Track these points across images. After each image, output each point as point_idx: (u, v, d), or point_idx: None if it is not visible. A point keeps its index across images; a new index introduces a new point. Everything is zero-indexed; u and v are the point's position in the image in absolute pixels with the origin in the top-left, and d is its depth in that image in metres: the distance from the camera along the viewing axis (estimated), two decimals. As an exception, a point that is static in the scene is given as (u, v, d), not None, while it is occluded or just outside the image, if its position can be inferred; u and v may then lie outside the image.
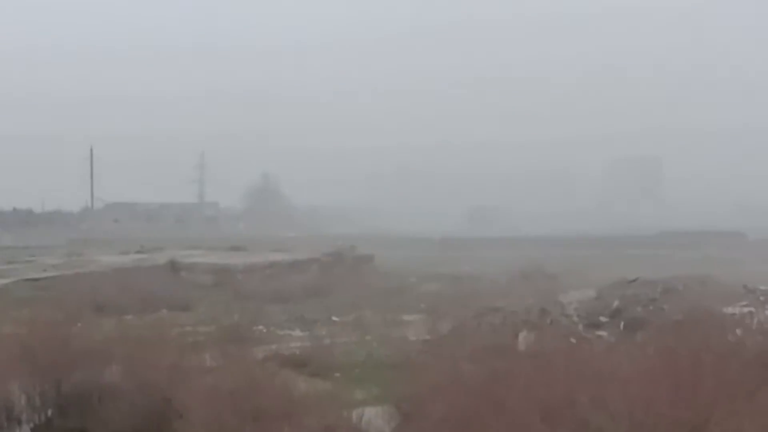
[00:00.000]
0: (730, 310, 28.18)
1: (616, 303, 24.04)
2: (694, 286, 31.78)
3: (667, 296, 26.19)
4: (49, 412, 16.18)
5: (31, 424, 16.16)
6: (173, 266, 43.86)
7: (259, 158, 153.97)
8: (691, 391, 14.63)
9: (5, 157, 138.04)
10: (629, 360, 17.23)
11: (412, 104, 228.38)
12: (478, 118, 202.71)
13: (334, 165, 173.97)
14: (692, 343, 19.65)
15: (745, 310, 28.54)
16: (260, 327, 28.64)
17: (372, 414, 15.46)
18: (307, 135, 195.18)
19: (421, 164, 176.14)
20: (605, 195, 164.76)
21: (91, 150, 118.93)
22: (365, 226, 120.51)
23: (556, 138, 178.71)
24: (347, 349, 23.51)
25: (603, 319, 23.59)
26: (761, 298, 30.76)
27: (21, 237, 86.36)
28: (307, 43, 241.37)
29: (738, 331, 24.42)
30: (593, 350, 20.70)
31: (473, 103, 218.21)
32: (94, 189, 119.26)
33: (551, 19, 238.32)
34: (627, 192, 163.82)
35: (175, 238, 74.26)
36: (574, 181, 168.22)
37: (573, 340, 22.66)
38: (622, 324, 23.18)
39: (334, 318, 31.58)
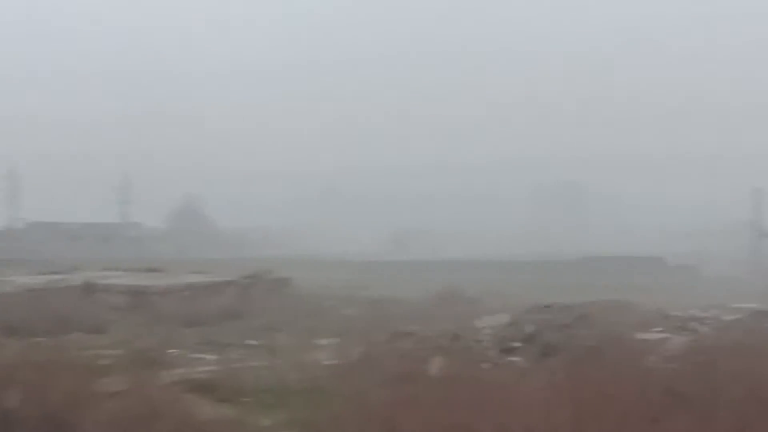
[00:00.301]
0: (644, 336, 28.32)
1: (529, 328, 23.93)
2: (610, 311, 31.89)
3: (581, 322, 26.16)
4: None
5: None
6: (88, 287, 42.98)
7: (185, 179, 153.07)
8: (595, 420, 14.56)
9: None
10: (535, 388, 17.15)
11: (339, 127, 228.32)
12: (405, 139, 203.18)
13: (261, 187, 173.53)
14: (599, 371, 19.66)
15: (659, 336, 28.70)
16: (172, 350, 28.09)
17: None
18: (234, 157, 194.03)
19: (349, 186, 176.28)
20: (531, 219, 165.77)
21: (12, 169, 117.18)
22: (290, 249, 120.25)
23: (483, 160, 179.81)
24: (258, 373, 23.07)
25: (516, 344, 23.48)
26: (677, 324, 31.00)
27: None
28: (230, 66, 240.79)
29: (651, 358, 24.54)
30: (502, 377, 20.62)
31: (399, 125, 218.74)
32: (16, 208, 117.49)
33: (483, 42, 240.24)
34: (552, 216, 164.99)
35: (96, 259, 73.23)
36: (501, 204, 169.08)
37: (485, 366, 22.56)
38: (535, 350, 23.06)
39: (248, 341, 31.14)
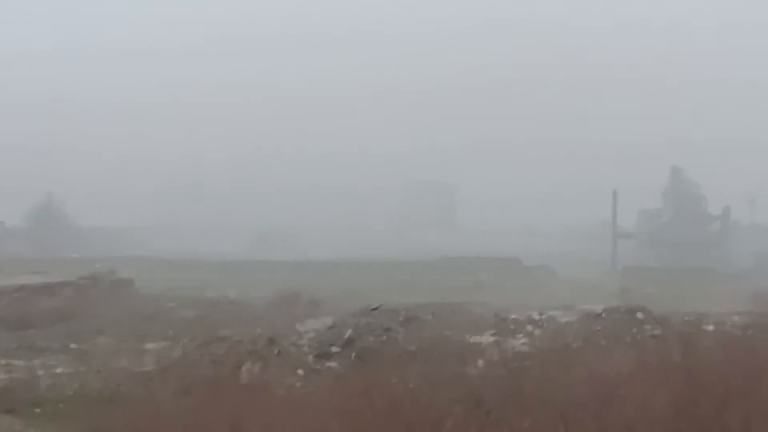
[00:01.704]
0: (474, 339, 27.83)
1: (348, 332, 23.15)
2: (445, 314, 31.41)
3: (408, 325, 25.52)
4: None
5: None
6: None
7: (47, 173, 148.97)
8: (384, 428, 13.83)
9: None
10: (331, 395, 16.40)
11: (208, 116, 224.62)
12: (274, 132, 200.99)
13: (124, 179, 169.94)
14: (408, 377, 19.00)
15: (490, 339, 28.25)
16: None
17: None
18: (97, 147, 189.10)
19: (217, 180, 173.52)
20: (399, 218, 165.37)
21: None
22: (152, 247, 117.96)
23: (351, 156, 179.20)
24: (61, 381, 21.97)
25: (334, 349, 22.69)
26: (511, 327, 30.60)
27: None
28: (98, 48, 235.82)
29: (477, 362, 24.03)
30: (302, 384, 19.87)
31: (269, 117, 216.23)
32: None
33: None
34: (420, 215, 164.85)
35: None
36: (369, 202, 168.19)
37: (300, 372, 21.75)
38: (353, 354, 22.32)
39: (72, 345, 29.80)
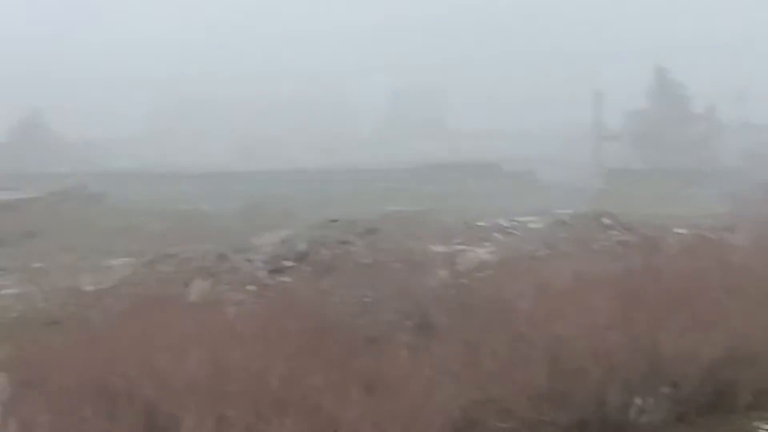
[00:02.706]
0: (440, 249, 27.24)
1: (302, 246, 22.56)
2: (412, 223, 30.88)
3: (369, 237, 24.88)
4: None
5: None
6: None
7: (37, 88, 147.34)
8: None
9: None
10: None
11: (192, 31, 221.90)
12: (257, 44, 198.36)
13: (115, 95, 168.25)
14: (357, 292, 18.53)
15: (455, 249, 27.68)
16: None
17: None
18: (91, 63, 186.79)
19: (205, 94, 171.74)
20: (388, 126, 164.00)
21: None
22: (138, 160, 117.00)
23: (336, 66, 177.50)
24: (7, 303, 21.45)
25: (287, 263, 22.13)
26: (479, 235, 30.07)
27: None
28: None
29: (441, 273, 23.46)
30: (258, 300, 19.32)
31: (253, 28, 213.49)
32: None
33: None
34: (411, 123, 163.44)
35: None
36: (356, 112, 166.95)
37: (252, 288, 21.21)
38: (307, 269, 21.77)
39: (35, 264, 29.24)
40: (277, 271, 21.91)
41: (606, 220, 27.13)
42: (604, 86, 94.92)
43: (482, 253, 26.64)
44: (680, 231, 29.37)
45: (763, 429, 13.57)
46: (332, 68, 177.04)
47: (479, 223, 30.94)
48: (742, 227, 28.27)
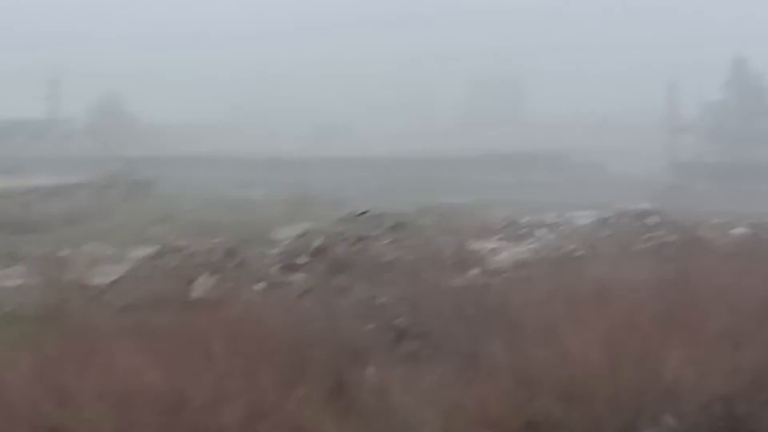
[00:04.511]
0: (477, 246, 25.74)
1: (318, 241, 21.27)
2: (450, 218, 29.45)
3: (394, 232, 23.46)
4: None
5: None
6: None
7: (123, 71, 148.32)
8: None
9: None
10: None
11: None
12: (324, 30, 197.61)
13: (199, 81, 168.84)
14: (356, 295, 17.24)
15: (494, 246, 26.15)
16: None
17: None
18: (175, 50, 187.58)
19: (284, 79, 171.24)
20: (467, 116, 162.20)
21: None
22: (218, 146, 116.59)
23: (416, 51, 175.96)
24: (4, 296, 20.51)
25: (302, 260, 20.87)
26: (520, 232, 28.43)
27: None
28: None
29: (473, 272, 22.11)
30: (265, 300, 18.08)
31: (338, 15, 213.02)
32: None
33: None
34: (488, 113, 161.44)
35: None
36: (436, 101, 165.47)
37: (261, 286, 20.00)
38: (321, 266, 20.49)
39: (59, 253, 28.30)
40: (290, 267, 20.68)
41: (654, 219, 25.47)
42: (679, 76, 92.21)
43: (518, 251, 25.10)
44: (740, 230, 27.59)
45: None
46: (413, 53, 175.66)
47: (524, 219, 29.22)
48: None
